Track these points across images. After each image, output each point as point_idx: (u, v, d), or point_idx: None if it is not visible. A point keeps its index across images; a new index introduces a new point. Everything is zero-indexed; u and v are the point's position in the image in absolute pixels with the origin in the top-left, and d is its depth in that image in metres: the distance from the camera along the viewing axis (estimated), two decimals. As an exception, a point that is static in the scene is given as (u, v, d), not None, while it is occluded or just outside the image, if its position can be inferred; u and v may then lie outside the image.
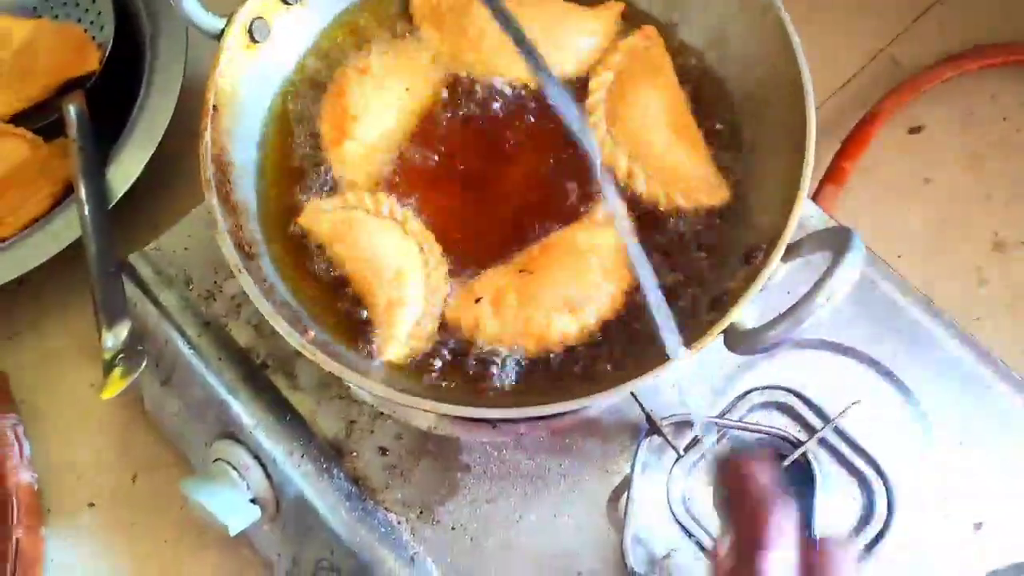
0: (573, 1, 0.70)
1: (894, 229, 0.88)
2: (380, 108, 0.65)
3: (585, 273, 0.60)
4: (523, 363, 0.59)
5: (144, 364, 0.67)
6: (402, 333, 0.60)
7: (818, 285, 0.48)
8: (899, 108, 0.89)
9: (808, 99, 0.57)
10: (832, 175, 0.85)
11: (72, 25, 0.91)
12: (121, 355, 0.67)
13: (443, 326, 0.61)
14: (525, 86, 0.67)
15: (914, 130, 0.92)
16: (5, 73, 0.89)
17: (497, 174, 0.65)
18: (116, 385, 0.66)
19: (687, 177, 0.63)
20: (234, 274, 0.68)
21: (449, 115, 0.67)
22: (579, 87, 0.67)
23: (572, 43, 0.67)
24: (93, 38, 0.90)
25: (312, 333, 0.56)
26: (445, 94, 0.67)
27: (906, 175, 0.90)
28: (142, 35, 0.87)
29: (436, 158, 0.66)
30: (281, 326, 0.55)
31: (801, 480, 0.65)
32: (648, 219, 0.63)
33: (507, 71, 0.66)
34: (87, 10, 0.92)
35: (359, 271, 0.61)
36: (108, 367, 0.66)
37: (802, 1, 0.60)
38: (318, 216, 0.63)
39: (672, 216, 0.63)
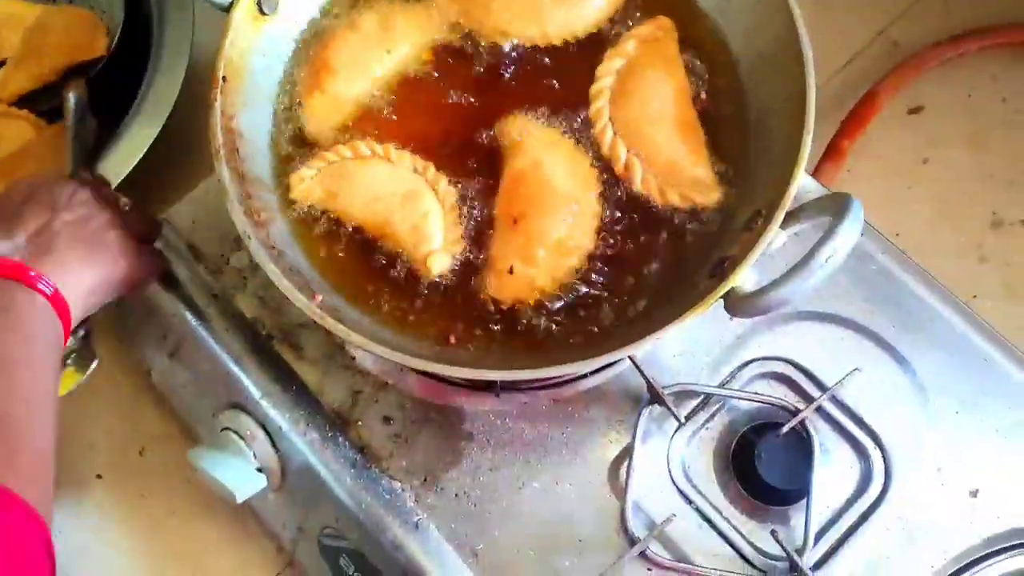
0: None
1: (894, 207, 0.89)
2: (360, 65, 0.66)
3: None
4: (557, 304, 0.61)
5: (95, 363, 0.70)
6: (438, 243, 0.61)
7: (819, 246, 0.48)
8: (900, 88, 0.90)
9: (808, 65, 0.58)
10: (832, 153, 0.86)
11: (82, 10, 0.91)
12: (73, 354, 0.69)
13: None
14: (535, 47, 0.67)
15: (914, 110, 0.93)
16: (15, 54, 0.90)
17: (481, 113, 0.66)
18: (69, 381, 0.69)
19: (683, 175, 0.63)
20: (243, 242, 0.70)
21: (439, 78, 0.68)
22: (587, 47, 0.67)
23: (578, 4, 0.67)
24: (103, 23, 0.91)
25: (320, 297, 0.57)
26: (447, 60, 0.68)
27: (906, 154, 0.91)
28: (150, 14, 0.88)
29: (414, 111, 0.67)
30: (289, 291, 0.56)
31: (799, 448, 0.65)
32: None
33: (517, 31, 0.67)
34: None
35: (370, 215, 0.62)
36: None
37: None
38: (305, 184, 0.64)
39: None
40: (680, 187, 0.62)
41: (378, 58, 0.67)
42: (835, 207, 0.51)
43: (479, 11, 0.68)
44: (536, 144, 0.64)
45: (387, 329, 0.60)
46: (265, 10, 0.64)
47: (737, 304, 0.53)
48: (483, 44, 0.67)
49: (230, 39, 0.62)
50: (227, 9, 0.62)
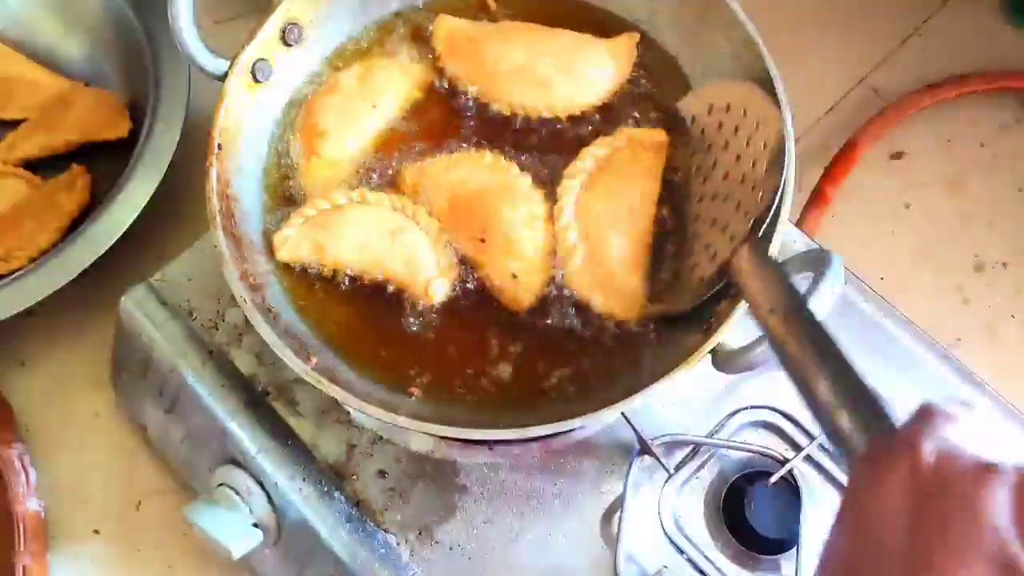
0: (588, 32, 0.71)
1: (877, 252, 0.91)
2: (349, 122, 0.68)
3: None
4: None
5: None
6: (433, 271, 0.64)
7: (799, 305, 0.50)
8: (881, 134, 0.92)
9: (786, 127, 0.60)
10: (816, 200, 0.88)
11: (109, 93, 0.93)
12: None
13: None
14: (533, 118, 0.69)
15: (895, 156, 0.96)
16: (31, 122, 0.92)
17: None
18: None
19: (616, 282, 0.64)
20: (239, 304, 0.72)
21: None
22: (591, 120, 0.69)
23: (586, 75, 0.69)
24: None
25: (315, 360, 0.58)
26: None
27: (889, 199, 0.93)
28: (146, 73, 0.89)
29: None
30: (285, 354, 0.57)
31: (788, 496, 0.67)
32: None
33: (517, 99, 0.69)
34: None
35: (362, 259, 0.64)
36: None
37: (784, 31, 0.63)
38: (289, 243, 0.65)
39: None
40: (607, 294, 0.63)
41: (365, 112, 0.69)
42: (817, 264, 0.52)
43: (482, 75, 0.69)
44: (440, 175, 0.67)
45: (382, 385, 0.61)
46: (259, 78, 0.66)
47: (724, 360, 0.54)
48: (473, 99, 0.70)
49: (225, 107, 0.64)
50: (222, 78, 0.64)
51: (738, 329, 0.56)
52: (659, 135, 0.67)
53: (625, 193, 0.65)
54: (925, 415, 0.41)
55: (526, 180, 0.66)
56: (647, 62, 0.71)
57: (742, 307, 0.55)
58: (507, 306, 0.63)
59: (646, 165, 0.67)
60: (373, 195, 0.66)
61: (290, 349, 0.57)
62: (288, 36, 0.67)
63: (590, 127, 0.69)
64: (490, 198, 0.65)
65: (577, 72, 0.69)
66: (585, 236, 0.65)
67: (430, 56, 0.72)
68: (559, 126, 0.69)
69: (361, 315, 0.64)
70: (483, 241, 0.64)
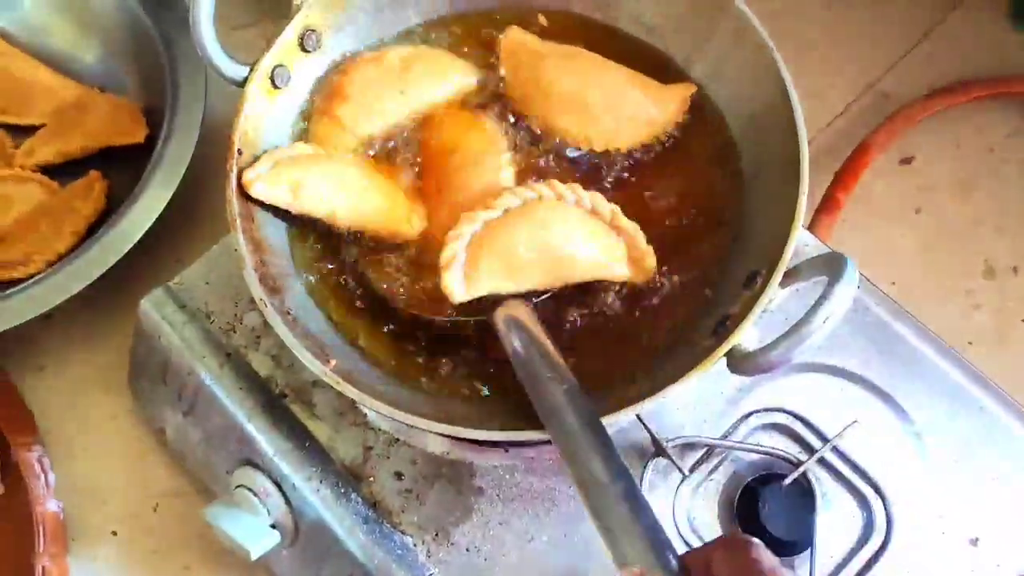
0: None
1: (887, 257, 0.91)
2: (372, 100, 0.68)
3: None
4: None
5: None
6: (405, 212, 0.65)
7: (816, 307, 0.50)
8: (890, 140, 0.93)
9: (800, 132, 0.61)
10: (827, 205, 0.89)
11: (126, 99, 0.95)
12: None
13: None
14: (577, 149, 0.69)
15: (905, 161, 0.96)
16: (48, 128, 0.93)
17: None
18: None
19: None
20: (258, 307, 0.73)
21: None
22: (619, 162, 0.69)
23: (630, 118, 0.68)
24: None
25: (334, 362, 0.59)
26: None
27: (898, 204, 0.94)
28: (162, 79, 0.90)
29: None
30: (305, 357, 0.57)
31: (802, 499, 0.67)
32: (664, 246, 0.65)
33: (562, 123, 0.69)
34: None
35: (336, 205, 0.64)
36: None
37: (794, 37, 0.64)
38: (262, 180, 0.64)
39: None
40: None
41: (392, 96, 0.69)
42: (831, 268, 0.53)
43: (533, 92, 0.69)
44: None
45: (401, 387, 0.62)
46: (278, 84, 0.67)
47: (739, 363, 0.54)
48: (513, 111, 0.70)
49: (245, 112, 0.64)
50: (241, 84, 0.65)
51: (753, 331, 0.57)
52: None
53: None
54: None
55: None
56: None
57: (758, 309, 0.56)
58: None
59: None
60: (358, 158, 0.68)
61: (309, 351, 0.58)
62: (306, 42, 0.68)
63: (624, 163, 0.69)
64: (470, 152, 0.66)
65: (624, 111, 0.68)
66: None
67: (491, 61, 0.72)
68: (594, 160, 0.69)
69: (375, 321, 0.65)
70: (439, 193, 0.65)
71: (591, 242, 0.62)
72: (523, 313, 0.60)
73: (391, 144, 0.69)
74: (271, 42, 0.66)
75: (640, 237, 0.63)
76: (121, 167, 0.92)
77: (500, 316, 0.60)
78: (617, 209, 0.63)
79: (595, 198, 0.63)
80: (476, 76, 0.71)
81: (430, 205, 0.66)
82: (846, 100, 0.99)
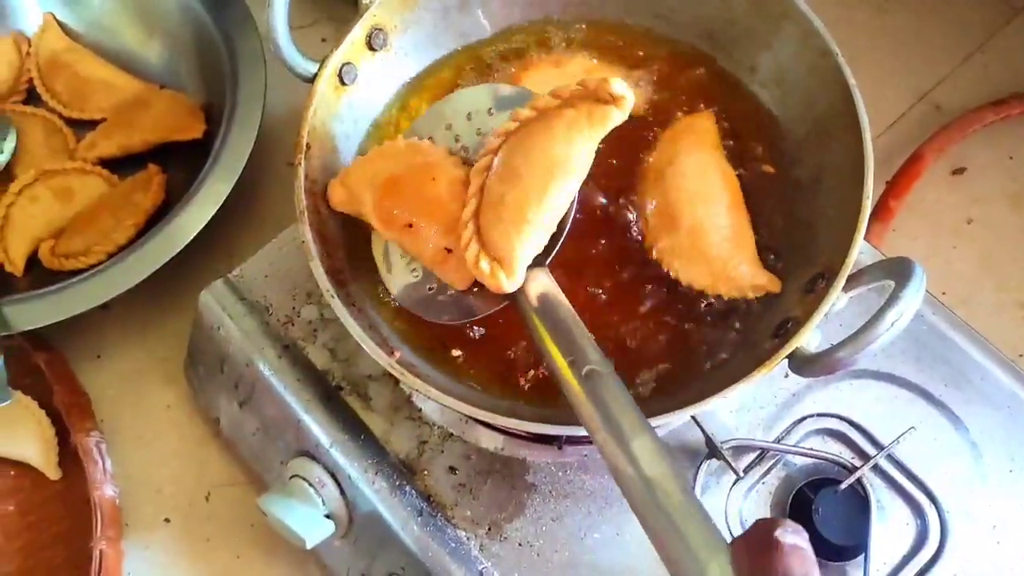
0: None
1: (939, 267, 0.91)
2: None
3: None
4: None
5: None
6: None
7: (883, 310, 0.51)
8: (943, 149, 0.92)
9: (866, 137, 0.61)
10: (879, 213, 0.89)
11: (185, 95, 0.97)
12: None
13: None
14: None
15: (957, 171, 0.96)
16: (108, 122, 0.96)
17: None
18: None
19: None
20: (317, 300, 0.74)
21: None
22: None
23: (727, 276, 0.65)
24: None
25: (398, 354, 0.60)
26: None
27: (950, 214, 0.94)
28: (222, 77, 0.92)
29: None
30: (370, 347, 0.58)
31: (857, 504, 0.67)
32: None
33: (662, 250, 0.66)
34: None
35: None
36: None
37: (846, 47, 0.64)
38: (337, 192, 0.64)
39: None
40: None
41: None
42: (898, 271, 0.53)
43: (658, 197, 0.67)
44: (365, 172, 0.65)
45: (458, 382, 0.63)
46: (345, 81, 0.68)
47: (804, 364, 0.55)
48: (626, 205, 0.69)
49: (313, 108, 0.66)
50: (311, 80, 0.66)
51: (814, 334, 0.57)
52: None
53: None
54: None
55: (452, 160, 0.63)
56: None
57: (822, 311, 0.56)
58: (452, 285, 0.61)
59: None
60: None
61: (374, 343, 0.59)
62: (374, 41, 0.69)
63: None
64: (411, 177, 0.62)
65: (726, 270, 0.65)
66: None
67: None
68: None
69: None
70: (411, 226, 0.61)
71: (570, 127, 0.56)
72: (548, 286, 0.58)
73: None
74: (340, 40, 0.67)
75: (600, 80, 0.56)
76: (179, 162, 0.94)
77: (529, 295, 0.57)
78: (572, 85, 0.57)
79: (545, 99, 0.58)
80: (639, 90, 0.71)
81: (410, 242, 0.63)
82: (898, 111, 0.99)
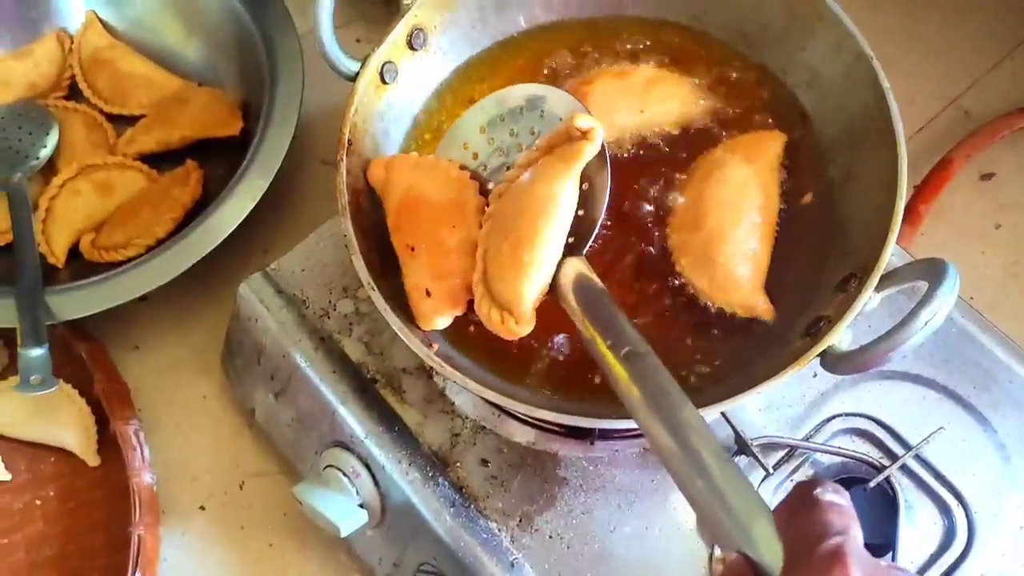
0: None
1: (967, 271, 0.89)
2: (612, 111, 0.70)
3: None
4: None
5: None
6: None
7: (918, 309, 0.52)
8: (972, 155, 0.93)
9: (899, 140, 0.62)
10: (907, 217, 0.89)
11: (224, 93, 0.99)
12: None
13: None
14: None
15: (986, 176, 0.96)
16: (148, 118, 0.98)
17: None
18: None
19: (737, 281, 0.65)
20: (351, 294, 0.75)
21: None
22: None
23: (728, 289, 0.66)
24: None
25: (436, 346, 0.61)
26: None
27: (978, 219, 0.94)
28: (259, 74, 0.94)
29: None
30: (410, 340, 0.60)
31: (884, 503, 0.68)
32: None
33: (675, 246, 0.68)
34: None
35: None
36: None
37: (878, 50, 0.65)
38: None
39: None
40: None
41: (630, 112, 0.71)
42: (931, 272, 0.54)
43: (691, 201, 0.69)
44: (401, 172, 0.67)
45: (493, 375, 0.64)
46: (386, 79, 0.69)
47: (836, 362, 0.56)
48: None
49: (355, 106, 0.67)
50: (353, 79, 0.68)
51: (846, 332, 0.58)
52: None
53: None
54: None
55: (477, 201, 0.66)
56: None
57: (855, 310, 0.57)
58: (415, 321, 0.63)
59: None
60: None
61: (413, 335, 0.60)
62: (414, 41, 0.70)
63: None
64: (433, 209, 0.65)
65: (730, 284, 0.66)
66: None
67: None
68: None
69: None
70: (413, 250, 0.64)
71: (548, 170, 0.60)
72: (584, 273, 0.59)
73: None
74: (382, 39, 0.69)
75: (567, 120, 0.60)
76: (216, 158, 0.95)
77: (565, 284, 0.59)
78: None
79: (527, 155, 0.62)
80: (702, 99, 0.73)
81: (405, 263, 0.65)
82: (927, 116, 1.00)
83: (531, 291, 0.59)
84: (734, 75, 0.74)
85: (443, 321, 0.63)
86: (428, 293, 0.63)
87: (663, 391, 0.51)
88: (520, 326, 0.59)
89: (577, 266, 0.60)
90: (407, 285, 0.64)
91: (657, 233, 0.68)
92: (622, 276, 0.67)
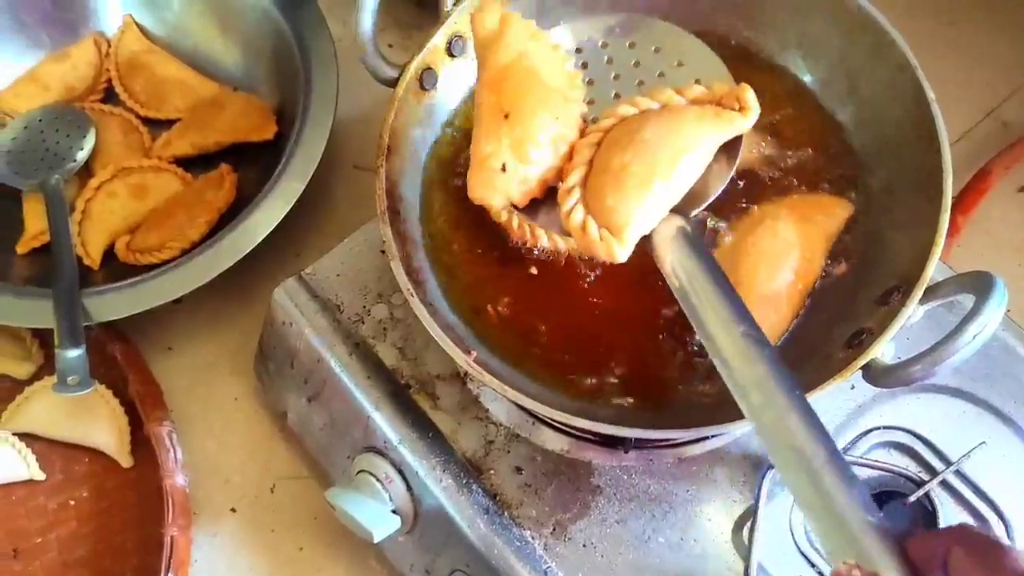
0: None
1: (1005, 284, 0.90)
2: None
3: None
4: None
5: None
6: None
7: (965, 323, 0.51)
8: (1010, 167, 0.92)
9: (944, 150, 0.61)
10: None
11: (258, 98, 1.00)
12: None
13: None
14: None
15: (1023, 189, 0.95)
16: (184, 121, 0.99)
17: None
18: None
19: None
20: (386, 300, 0.75)
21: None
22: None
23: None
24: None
25: (475, 353, 0.61)
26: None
27: (1016, 232, 0.93)
28: (294, 80, 0.95)
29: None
30: (449, 346, 0.60)
31: (923, 517, 0.67)
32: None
33: None
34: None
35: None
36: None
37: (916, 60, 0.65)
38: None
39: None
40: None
41: None
42: (979, 285, 0.53)
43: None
44: (519, 35, 0.62)
45: (532, 382, 0.64)
46: (425, 86, 0.70)
47: (880, 375, 0.55)
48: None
49: (395, 112, 0.67)
50: (392, 84, 0.68)
51: (889, 345, 0.57)
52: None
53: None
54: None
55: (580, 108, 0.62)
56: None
57: (899, 323, 0.56)
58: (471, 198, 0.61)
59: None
60: None
61: (452, 341, 0.60)
62: (453, 47, 0.70)
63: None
64: (544, 89, 0.61)
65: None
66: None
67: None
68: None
69: (507, 319, 0.67)
70: (507, 117, 0.60)
71: (701, 119, 0.57)
72: (683, 228, 0.57)
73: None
74: (422, 45, 0.69)
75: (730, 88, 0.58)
76: (249, 161, 0.96)
77: (661, 240, 0.56)
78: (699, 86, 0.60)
79: (667, 93, 0.59)
80: (762, 143, 0.71)
81: (491, 126, 0.61)
82: (964, 127, 0.99)
83: (645, 220, 0.56)
84: (789, 111, 0.72)
85: (500, 201, 0.60)
86: (504, 168, 0.59)
87: (779, 379, 0.50)
88: (623, 248, 0.56)
89: (681, 223, 0.57)
90: (479, 151, 0.60)
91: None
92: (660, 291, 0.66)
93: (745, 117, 0.57)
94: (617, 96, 0.63)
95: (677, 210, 0.57)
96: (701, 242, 0.56)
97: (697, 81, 0.62)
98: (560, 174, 0.60)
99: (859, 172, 0.69)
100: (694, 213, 0.58)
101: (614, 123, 0.59)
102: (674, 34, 0.64)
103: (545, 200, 0.61)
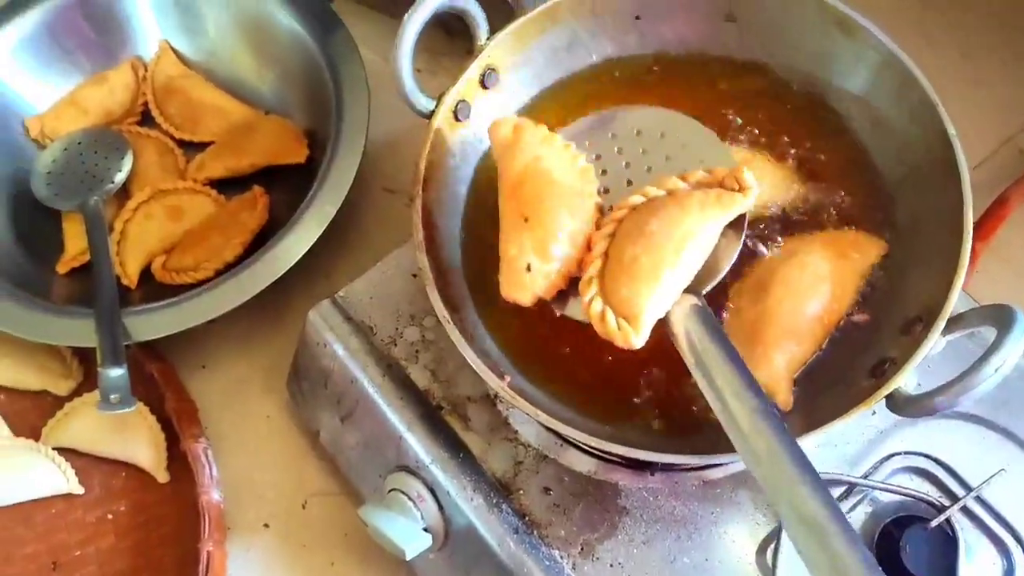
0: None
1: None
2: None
3: None
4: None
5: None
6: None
7: (988, 355, 0.52)
8: (1029, 194, 0.93)
9: (965, 185, 0.63)
10: (965, 255, 0.90)
11: (291, 121, 1.03)
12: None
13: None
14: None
15: (1041, 216, 0.97)
16: (218, 144, 1.02)
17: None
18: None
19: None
20: (421, 324, 0.78)
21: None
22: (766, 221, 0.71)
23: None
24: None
25: (509, 378, 0.63)
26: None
27: (1034, 259, 0.95)
28: (326, 105, 0.97)
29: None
30: (483, 372, 0.62)
31: (944, 543, 0.68)
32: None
33: None
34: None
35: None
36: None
37: (934, 88, 0.67)
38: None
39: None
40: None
41: None
42: (1000, 318, 0.55)
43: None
44: (531, 140, 0.66)
45: (564, 406, 0.66)
46: (459, 117, 0.72)
47: (904, 404, 0.57)
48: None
49: (431, 143, 0.70)
50: (427, 116, 0.70)
51: (912, 375, 0.59)
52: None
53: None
54: None
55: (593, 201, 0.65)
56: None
57: (922, 354, 0.58)
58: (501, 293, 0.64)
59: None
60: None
61: (487, 367, 0.62)
62: (487, 80, 0.73)
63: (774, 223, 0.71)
64: (558, 189, 0.64)
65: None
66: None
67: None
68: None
69: (542, 345, 0.68)
70: (527, 220, 0.63)
71: (703, 206, 0.60)
72: (696, 306, 0.60)
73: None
74: (456, 78, 0.71)
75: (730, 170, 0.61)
76: (280, 183, 0.99)
77: (676, 320, 0.60)
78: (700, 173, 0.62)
79: (672, 181, 0.62)
80: (795, 184, 0.72)
81: (514, 229, 0.64)
82: (982, 154, 1.00)
83: (657, 308, 0.59)
84: (822, 157, 0.73)
85: (527, 299, 0.63)
86: (529, 268, 0.63)
87: (787, 456, 0.53)
88: (638, 336, 0.59)
89: (695, 301, 0.60)
90: (506, 252, 0.64)
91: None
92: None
93: (745, 196, 0.60)
94: (630, 183, 0.66)
95: (690, 289, 0.61)
96: (713, 319, 0.60)
97: (701, 161, 0.65)
98: (580, 265, 0.63)
99: (889, 208, 0.71)
100: (706, 290, 0.61)
101: (626, 213, 0.63)
102: (676, 119, 0.67)
103: (569, 289, 0.64)
